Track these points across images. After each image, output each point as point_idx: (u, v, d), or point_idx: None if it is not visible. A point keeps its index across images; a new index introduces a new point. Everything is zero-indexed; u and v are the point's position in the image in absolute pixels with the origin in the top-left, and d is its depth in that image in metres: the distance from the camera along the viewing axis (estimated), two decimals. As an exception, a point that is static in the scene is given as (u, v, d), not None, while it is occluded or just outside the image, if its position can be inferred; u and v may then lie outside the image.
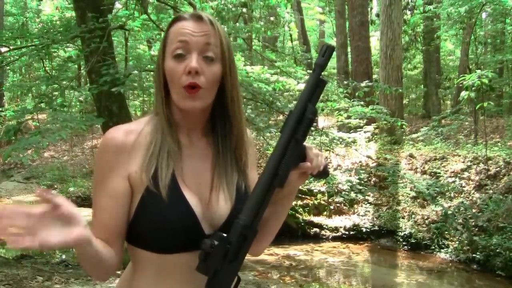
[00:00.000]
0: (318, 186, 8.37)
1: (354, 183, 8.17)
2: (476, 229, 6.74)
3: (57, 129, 4.35)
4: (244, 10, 7.58)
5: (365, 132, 9.53)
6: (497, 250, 6.21)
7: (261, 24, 10.72)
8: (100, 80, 4.72)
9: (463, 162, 8.08)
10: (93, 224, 1.08)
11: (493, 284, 6.04)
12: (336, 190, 8.24)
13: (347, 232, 7.99)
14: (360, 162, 9.02)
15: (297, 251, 7.39)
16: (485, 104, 7.99)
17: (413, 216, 7.69)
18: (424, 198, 7.74)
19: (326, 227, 8.09)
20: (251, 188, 1.13)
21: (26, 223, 0.86)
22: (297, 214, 8.10)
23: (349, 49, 13.70)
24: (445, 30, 14.52)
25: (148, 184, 1.05)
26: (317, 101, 1.11)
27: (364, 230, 7.95)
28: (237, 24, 8.14)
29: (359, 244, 7.77)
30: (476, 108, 8.53)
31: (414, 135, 10.94)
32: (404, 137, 10.51)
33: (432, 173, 8.26)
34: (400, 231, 7.61)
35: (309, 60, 12.29)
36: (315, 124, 8.30)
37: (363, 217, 8.17)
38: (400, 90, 9.54)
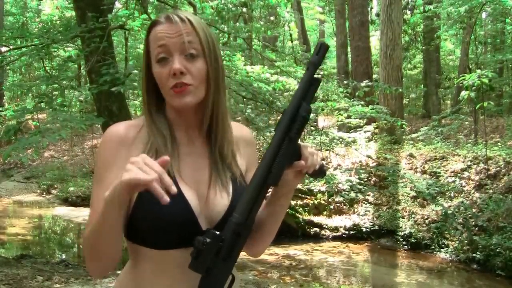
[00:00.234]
0: (318, 186, 8.36)
1: (354, 182, 8.18)
2: (476, 228, 6.74)
3: (57, 128, 4.35)
4: (244, 10, 7.57)
5: (365, 131, 9.54)
6: (497, 250, 6.21)
7: (261, 24, 10.71)
8: (100, 79, 4.72)
9: (463, 161, 8.08)
10: (91, 216, 1.08)
11: (493, 284, 6.04)
12: (336, 190, 8.24)
13: (347, 232, 7.99)
14: (360, 161, 9.02)
15: (297, 250, 7.39)
16: (485, 104, 7.99)
17: (413, 215, 7.69)
18: (424, 197, 7.74)
19: (326, 226, 8.09)
20: None
21: None
22: (297, 214, 8.09)
23: (349, 49, 13.70)
24: (445, 30, 14.52)
25: None
26: (312, 99, 1.11)
27: (364, 229, 7.95)
28: (237, 23, 8.14)
29: (359, 243, 7.77)
30: (476, 107, 8.53)
31: (414, 135, 10.93)
32: (404, 137, 10.51)
33: (432, 173, 8.26)
34: (400, 231, 7.61)
35: (309, 60, 12.26)
36: (315, 124, 8.33)
37: (363, 216, 8.17)
38: (400, 90, 9.54)
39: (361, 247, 7.67)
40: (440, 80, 16.28)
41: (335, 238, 7.95)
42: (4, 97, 17.27)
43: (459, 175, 7.89)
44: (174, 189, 0.91)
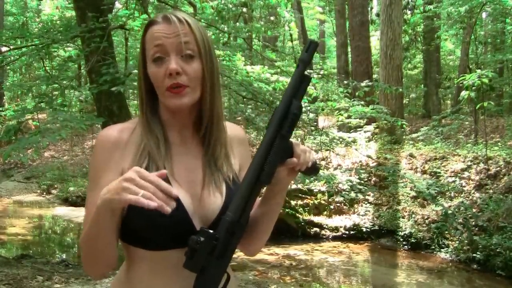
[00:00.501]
0: (318, 186, 8.36)
1: (354, 182, 8.18)
2: (476, 228, 6.74)
3: (57, 128, 4.35)
4: (244, 9, 7.57)
5: (365, 131, 9.54)
6: (497, 250, 6.21)
7: (261, 24, 10.71)
8: (100, 79, 4.72)
9: (463, 161, 8.08)
10: (86, 220, 1.09)
11: (493, 284, 6.04)
12: (336, 190, 8.24)
13: (347, 232, 7.98)
14: (360, 161, 9.02)
15: (297, 250, 7.39)
16: (485, 104, 7.99)
17: (413, 215, 7.69)
18: (424, 197, 7.74)
19: (326, 226, 8.09)
20: None
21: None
22: (297, 214, 8.09)
23: (349, 49, 13.70)
24: (445, 30, 14.54)
25: None
26: (303, 97, 1.11)
27: (364, 229, 7.95)
28: (237, 23, 8.13)
29: (359, 243, 7.77)
30: (476, 107, 8.52)
31: (414, 135, 10.93)
32: (404, 137, 10.51)
33: (432, 173, 8.26)
34: (400, 231, 7.61)
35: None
36: (315, 124, 8.33)
37: (363, 216, 8.16)
38: (400, 90, 9.54)
39: (361, 247, 7.67)
40: (440, 80, 16.29)
41: (335, 238, 7.94)
42: (4, 97, 17.27)
43: (459, 175, 7.89)
44: (175, 194, 0.92)
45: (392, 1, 10.70)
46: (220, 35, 6.71)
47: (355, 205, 8.39)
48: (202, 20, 6.03)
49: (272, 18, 10.42)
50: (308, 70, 8.08)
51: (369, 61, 11.94)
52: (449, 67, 18.66)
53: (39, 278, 4.66)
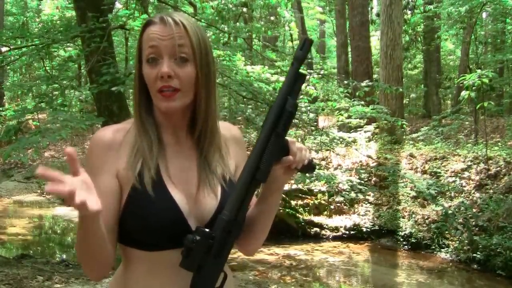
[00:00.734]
0: (318, 186, 8.36)
1: (354, 182, 8.16)
2: (477, 228, 6.74)
3: (57, 128, 4.35)
4: (245, 9, 7.57)
5: (365, 131, 9.53)
6: (498, 250, 6.21)
7: (261, 23, 10.71)
8: (100, 79, 4.72)
9: (464, 161, 8.08)
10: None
11: (493, 284, 6.04)
12: (337, 190, 8.23)
13: (347, 232, 7.98)
14: (361, 161, 9.02)
15: (298, 250, 7.39)
16: (486, 104, 7.99)
17: (413, 215, 7.68)
18: (424, 197, 7.74)
19: (326, 226, 8.09)
20: None
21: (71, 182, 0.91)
22: (297, 214, 8.09)
23: (349, 49, 13.70)
24: (445, 30, 14.54)
25: (133, 182, 1.08)
26: (298, 95, 1.11)
27: (364, 229, 7.94)
28: (237, 23, 8.13)
29: (360, 243, 7.77)
30: (477, 107, 8.52)
31: (414, 135, 10.93)
32: (404, 137, 10.51)
33: (433, 173, 8.26)
34: (400, 231, 7.61)
35: (309, 60, 12.28)
36: (315, 124, 8.33)
37: (363, 216, 8.16)
38: (401, 90, 9.54)
39: (361, 247, 7.67)
40: (441, 80, 16.28)
41: (335, 238, 7.94)
42: (4, 97, 17.27)
43: (459, 175, 7.88)
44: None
45: (392, 1, 10.70)
46: (220, 35, 6.71)
47: (355, 205, 8.39)
48: (202, 20, 6.03)
49: (272, 18, 10.42)
50: (308, 70, 8.08)
51: (369, 61, 11.93)
52: (449, 67, 18.66)
53: (39, 278, 4.66)
